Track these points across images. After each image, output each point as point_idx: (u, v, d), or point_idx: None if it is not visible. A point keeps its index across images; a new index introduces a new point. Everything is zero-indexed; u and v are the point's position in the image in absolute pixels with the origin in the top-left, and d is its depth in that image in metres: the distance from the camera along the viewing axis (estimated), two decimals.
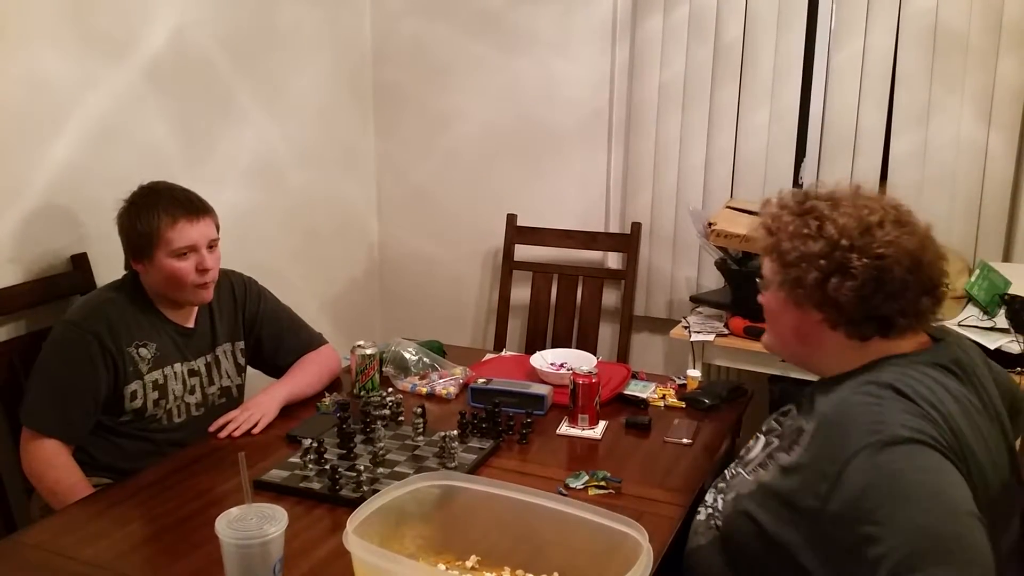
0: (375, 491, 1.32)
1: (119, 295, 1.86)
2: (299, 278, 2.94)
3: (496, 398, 1.85)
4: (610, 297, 2.99)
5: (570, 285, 2.91)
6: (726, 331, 2.48)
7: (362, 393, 2.01)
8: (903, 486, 1.04)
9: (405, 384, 2.09)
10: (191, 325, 1.94)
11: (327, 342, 2.16)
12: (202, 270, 1.83)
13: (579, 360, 2.10)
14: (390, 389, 2.04)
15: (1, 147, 1.97)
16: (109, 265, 2.02)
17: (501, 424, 1.78)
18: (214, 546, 1.20)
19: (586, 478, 1.59)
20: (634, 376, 2.12)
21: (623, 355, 2.88)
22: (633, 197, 2.88)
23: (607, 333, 3.00)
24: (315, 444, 1.63)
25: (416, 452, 1.69)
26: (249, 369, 2.10)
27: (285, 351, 2.08)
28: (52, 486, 1.74)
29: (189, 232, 1.81)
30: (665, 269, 2.88)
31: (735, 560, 1.29)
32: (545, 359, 2.12)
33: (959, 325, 2.18)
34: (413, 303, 3.37)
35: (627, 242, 2.85)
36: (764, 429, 1.42)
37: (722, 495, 1.38)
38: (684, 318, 2.61)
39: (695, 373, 2.08)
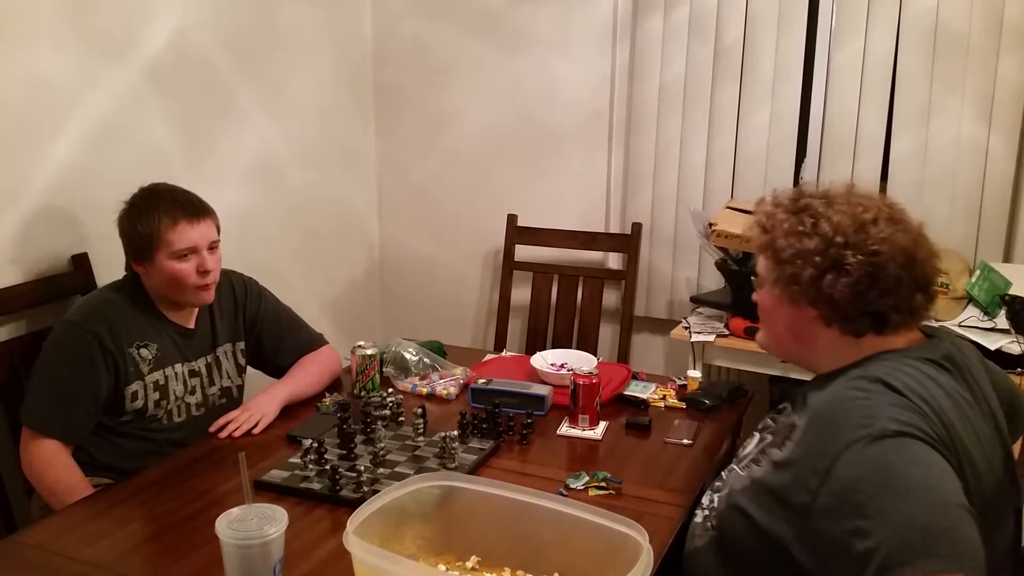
0: (375, 491, 1.32)
1: (119, 295, 1.86)
2: (299, 278, 2.94)
3: (496, 399, 1.85)
4: (610, 297, 2.99)
5: (570, 285, 2.91)
6: (726, 332, 2.48)
7: (362, 393, 2.01)
8: (892, 479, 1.04)
9: (405, 384, 2.09)
10: (192, 326, 1.94)
11: (327, 342, 2.16)
12: (203, 272, 1.83)
13: (579, 361, 2.10)
14: (390, 389, 2.04)
15: (1, 147, 1.97)
16: (109, 265, 2.02)
17: (501, 425, 1.78)
18: (214, 546, 1.20)
19: (586, 479, 1.59)
20: (634, 377, 2.12)
21: (623, 356, 2.88)
22: (633, 197, 2.88)
23: (607, 334, 3.00)
24: (315, 444, 1.63)
25: (416, 452, 1.69)
26: (249, 369, 2.10)
27: (285, 351, 2.08)
28: (52, 486, 1.74)
29: (190, 234, 1.81)
30: (665, 270, 2.88)
31: (730, 557, 1.30)
32: (545, 359, 2.12)
33: (959, 326, 2.18)
34: (413, 303, 3.37)
35: (627, 242, 2.85)
36: (760, 427, 1.42)
37: (717, 494, 1.38)
38: (684, 319, 2.61)
39: (695, 374, 2.08)
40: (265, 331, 2.07)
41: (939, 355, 1.21)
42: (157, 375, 1.86)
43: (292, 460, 1.65)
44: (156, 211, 1.79)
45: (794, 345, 1.34)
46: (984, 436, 1.18)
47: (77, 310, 1.85)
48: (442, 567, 1.29)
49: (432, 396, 2.04)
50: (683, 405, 1.97)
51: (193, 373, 1.93)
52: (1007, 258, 2.47)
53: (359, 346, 2.03)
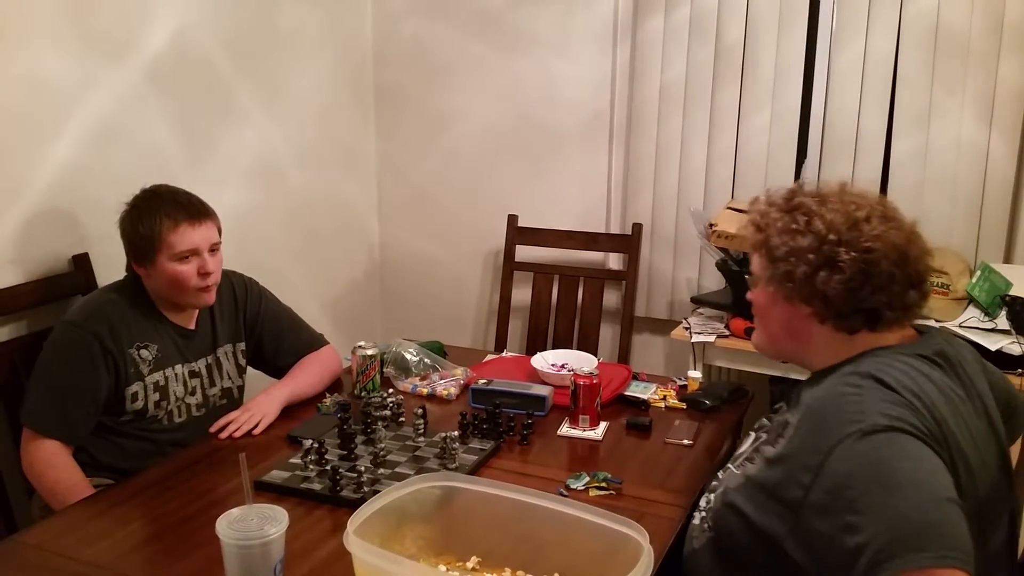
0: (376, 492, 1.32)
1: (120, 296, 1.86)
2: (300, 279, 2.94)
3: (497, 399, 1.85)
4: (611, 298, 2.99)
5: (571, 286, 2.91)
6: (727, 332, 2.48)
7: (363, 394, 2.01)
8: (882, 474, 1.05)
9: (406, 385, 2.09)
10: (192, 327, 1.94)
11: (328, 343, 2.16)
12: (204, 273, 1.83)
13: (580, 361, 2.10)
14: (391, 390, 2.04)
15: (2, 147, 1.97)
16: (110, 265, 2.02)
17: (502, 425, 1.78)
18: (215, 547, 1.20)
19: (587, 479, 1.59)
20: (635, 377, 2.12)
21: (624, 356, 2.88)
22: (634, 198, 2.88)
23: (608, 334, 3.00)
24: (316, 445, 1.63)
25: (417, 453, 1.69)
26: (250, 370, 2.10)
27: (286, 352, 2.08)
28: (52, 486, 1.74)
29: (191, 236, 1.81)
30: (666, 270, 2.87)
31: (726, 557, 1.30)
32: (546, 360, 2.12)
33: (960, 326, 2.18)
34: (414, 304, 3.37)
35: (628, 243, 2.85)
36: (755, 427, 1.43)
37: (713, 494, 1.38)
38: (685, 319, 2.61)
39: (696, 374, 2.08)
40: (265, 332, 2.07)
41: (931, 351, 1.22)
42: (157, 376, 1.86)
43: (293, 460, 1.65)
44: (157, 213, 1.79)
45: (789, 343, 1.34)
46: (978, 433, 1.18)
47: (77, 311, 1.85)
48: (442, 567, 1.29)
49: (432, 396, 2.04)
50: (683, 405, 1.97)
51: (193, 374, 1.93)
52: (1008, 259, 2.47)
53: (359, 346, 2.03)
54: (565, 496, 1.50)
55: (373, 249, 3.38)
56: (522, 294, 3.02)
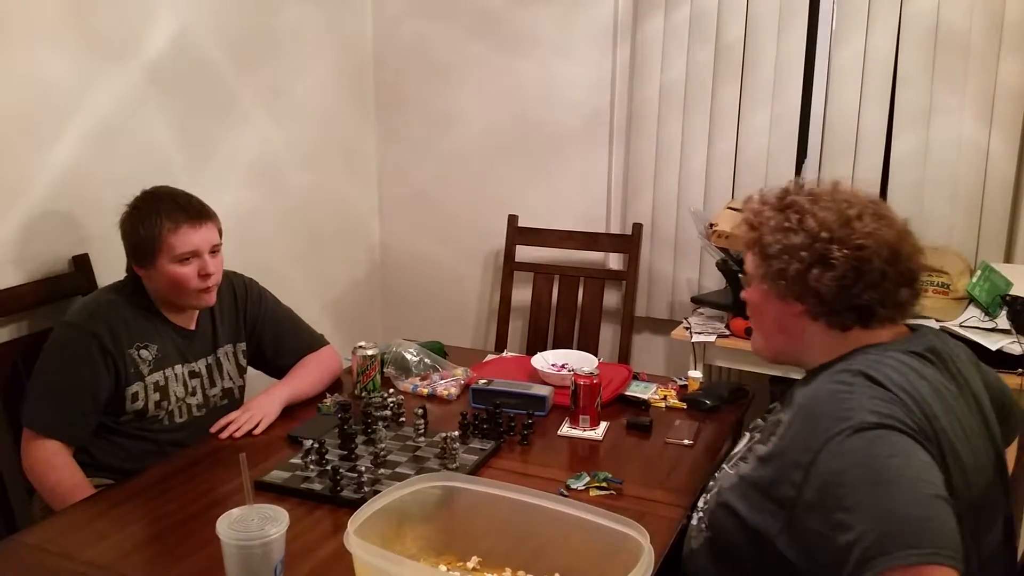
0: (376, 492, 1.33)
1: (120, 296, 1.86)
2: (301, 279, 2.94)
3: (497, 399, 1.85)
4: (611, 298, 2.99)
5: (571, 286, 2.91)
6: (727, 332, 2.48)
7: (363, 394, 2.01)
8: (871, 471, 1.05)
9: (406, 385, 2.10)
10: (192, 327, 1.94)
11: (328, 343, 2.16)
12: (204, 275, 1.83)
13: (580, 361, 2.10)
14: (391, 390, 2.04)
15: (2, 148, 1.97)
16: (110, 266, 2.03)
17: (502, 425, 1.78)
18: (215, 547, 1.20)
19: (587, 479, 1.59)
20: (635, 377, 2.12)
21: (624, 356, 2.88)
22: (634, 198, 2.88)
23: (608, 334, 3.00)
24: (316, 445, 1.63)
25: (417, 453, 1.69)
26: (250, 370, 2.10)
27: (286, 352, 2.08)
28: (53, 487, 1.74)
29: (192, 237, 1.81)
30: (666, 270, 2.87)
31: (722, 557, 1.30)
32: (546, 360, 2.12)
33: (960, 326, 2.18)
34: (414, 304, 3.37)
35: (628, 243, 2.85)
36: (750, 427, 1.43)
37: (709, 494, 1.39)
38: (685, 319, 2.61)
39: (696, 374, 2.08)
40: (266, 332, 2.07)
41: (923, 347, 1.22)
42: (157, 376, 1.86)
43: (293, 461, 1.65)
44: (158, 215, 1.79)
45: (783, 341, 1.35)
46: (971, 429, 1.19)
47: (77, 311, 1.85)
48: (443, 567, 1.29)
49: (433, 397, 2.04)
50: (684, 405, 1.97)
51: (193, 374, 1.93)
52: (1008, 258, 2.47)
53: (360, 347, 2.04)
54: (565, 496, 1.50)
55: (374, 249, 3.38)
56: (522, 294, 3.02)
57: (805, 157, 2.63)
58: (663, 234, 2.85)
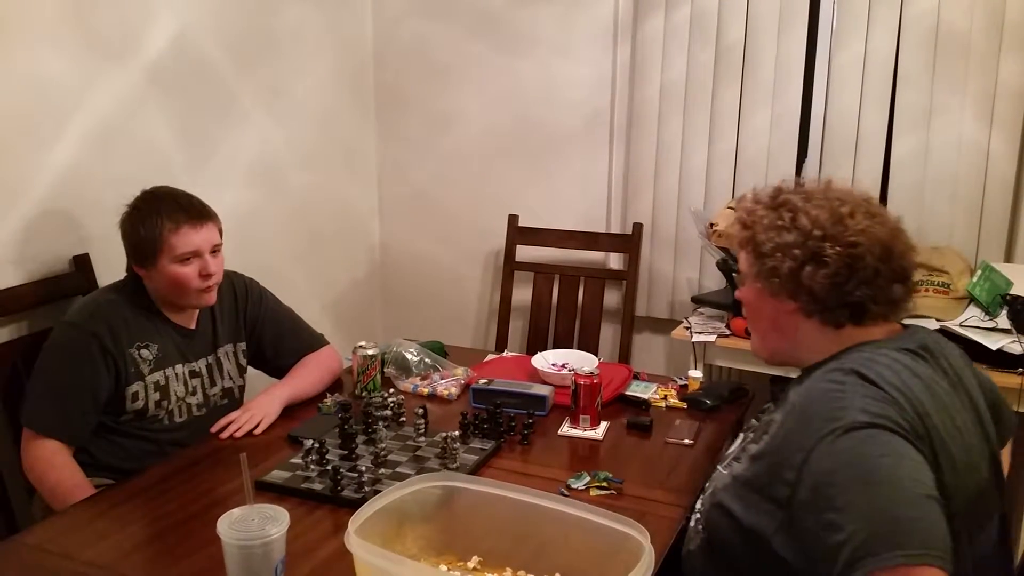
0: (377, 492, 1.33)
1: (120, 296, 1.86)
2: (301, 279, 2.94)
3: (498, 399, 1.85)
4: (611, 298, 2.99)
5: (571, 286, 2.91)
6: (727, 332, 2.48)
7: (364, 394, 2.01)
8: (861, 471, 1.05)
9: (407, 385, 2.10)
10: (192, 326, 1.94)
11: (328, 343, 2.16)
12: (205, 275, 1.83)
13: (580, 361, 2.10)
14: (392, 390, 2.04)
15: (3, 148, 1.97)
16: (110, 266, 2.02)
17: (503, 425, 1.78)
18: (216, 547, 1.20)
19: (588, 479, 1.59)
20: (635, 377, 2.12)
21: (624, 356, 2.88)
22: (634, 198, 2.88)
23: (608, 334, 3.00)
24: (317, 445, 1.63)
25: (418, 453, 1.69)
26: (250, 370, 2.10)
27: (286, 352, 2.08)
28: (53, 487, 1.74)
29: (192, 238, 1.81)
30: (666, 270, 2.87)
31: (717, 556, 1.30)
32: (546, 360, 2.12)
33: (961, 326, 2.18)
34: (414, 304, 3.37)
35: (628, 243, 2.85)
36: (744, 427, 1.43)
37: (704, 495, 1.39)
38: (685, 319, 2.61)
39: (696, 374, 2.08)
40: (266, 332, 2.07)
41: (916, 344, 1.23)
42: (157, 375, 1.86)
43: (293, 460, 1.65)
44: (158, 215, 1.79)
45: (777, 340, 1.35)
46: (964, 426, 1.19)
47: (77, 311, 1.85)
48: (443, 567, 1.29)
49: (433, 396, 2.04)
50: (684, 405, 1.97)
51: (194, 374, 1.93)
52: (1008, 258, 2.47)
53: (360, 346, 2.04)
54: (566, 496, 1.50)
55: (374, 249, 3.38)
56: (523, 294, 3.02)
57: (805, 158, 2.63)
58: (663, 234, 2.85)
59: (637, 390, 2.03)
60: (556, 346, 2.76)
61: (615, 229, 2.96)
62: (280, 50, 2.77)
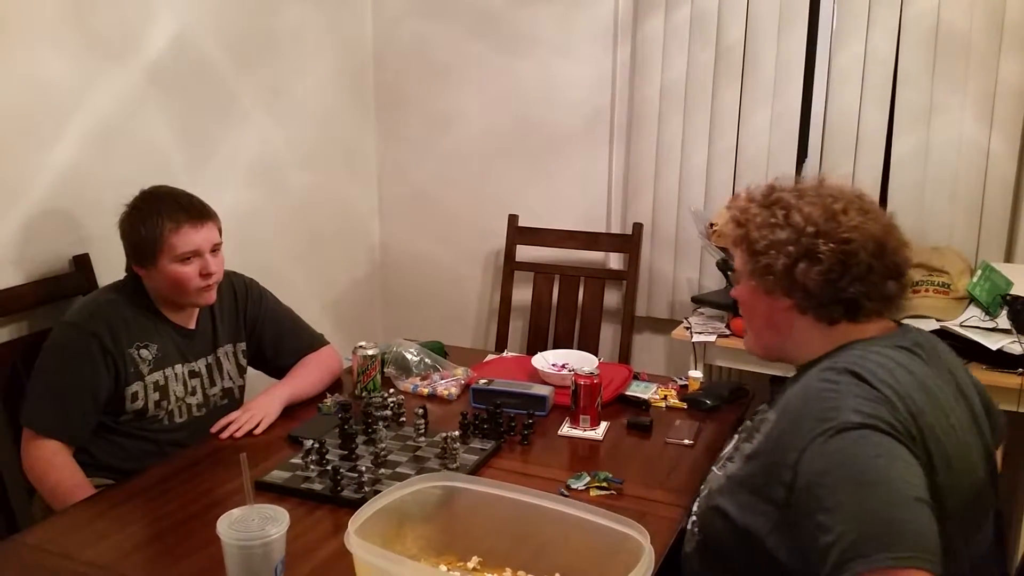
0: (377, 492, 1.33)
1: (119, 296, 1.86)
2: (301, 279, 2.94)
3: (498, 399, 1.85)
4: (612, 298, 2.99)
5: (571, 286, 2.91)
6: (728, 332, 2.48)
7: (364, 394, 2.01)
8: (852, 473, 1.05)
9: (407, 385, 2.10)
10: (192, 326, 1.94)
11: (328, 343, 2.16)
12: (206, 274, 1.83)
13: (580, 361, 2.10)
14: (392, 390, 2.04)
15: (3, 149, 1.97)
16: (110, 266, 2.02)
17: (503, 425, 1.78)
18: (216, 547, 1.20)
19: (588, 479, 1.59)
20: (635, 377, 2.12)
21: (624, 356, 2.88)
22: (635, 198, 2.88)
23: (608, 334, 3.00)
24: (317, 445, 1.63)
25: (418, 453, 1.69)
26: (250, 370, 2.10)
27: (286, 352, 2.08)
28: (53, 487, 1.74)
29: (193, 237, 1.81)
30: (667, 270, 2.87)
31: (713, 558, 1.30)
32: (546, 360, 2.12)
33: (961, 326, 2.18)
34: (414, 304, 3.37)
35: (629, 243, 2.85)
36: (739, 428, 1.43)
37: (700, 497, 1.39)
38: (686, 319, 2.61)
39: (697, 374, 2.08)
40: (266, 332, 2.07)
41: (910, 342, 1.23)
42: (157, 375, 1.86)
43: (293, 461, 1.65)
44: (159, 215, 1.79)
45: (772, 337, 1.36)
46: (959, 424, 1.18)
47: (76, 311, 1.85)
48: (443, 567, 1.29)
49: (433, 396, 2.04)
50: (684, 405, 1.97)
51: (193, 374, 1.93)
52: (1008, 258, 2.47)
53: (360, 347, 2.03)
54: (566, 496, 1.50)
55: (374, 249, 3.38)
56: (523, 294, 3.02)
57: (806, 157, 2.63)
58: (663, 234, 2.85)
59: (637, 390, 2.03)
60: (556, 346, 2.76)
61: (615, 229, 2.96)
62: (280, 50, 2.77)
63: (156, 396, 1.86)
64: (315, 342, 2.12)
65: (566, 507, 1.26)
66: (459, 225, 3.22)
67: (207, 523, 1.36)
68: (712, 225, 2.47)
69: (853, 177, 2.54)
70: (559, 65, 2.92)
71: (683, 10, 2.67)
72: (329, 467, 1.57)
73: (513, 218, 3.02)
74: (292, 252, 2.91)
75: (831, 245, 1.22)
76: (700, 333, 2.49)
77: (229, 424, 1.83)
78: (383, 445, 1.68)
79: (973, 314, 2.23)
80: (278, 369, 2.08)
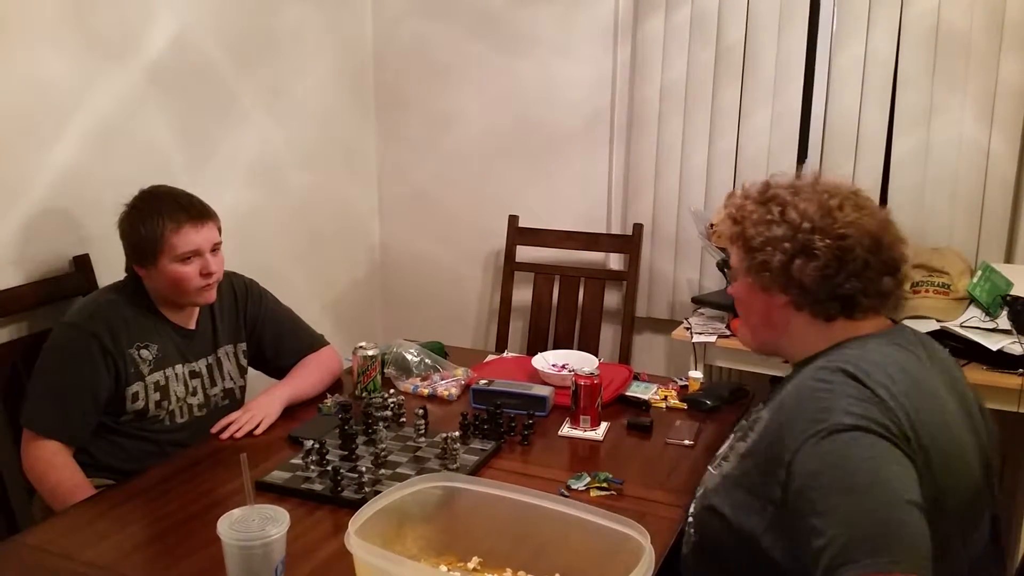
0: (377, 492, 1.33)
1: (119, 296, 1.86)
2: (301, 279, 2.94)
3: (498, 399, 1.85)
4: (612, 298, 2.99)
5: (572, 286, 2.91)
6: (728, 332, 2.48)
7: (364, 394, 2.01)
8: (843, 475, 1.05)
9: (407, 385, 2.10)
10: (192, 326, 1.94)
11: (328, 343, 2.16)
12: (206, 274, 1.83)
13: (581, 361, 2.10)
14: (392, 390, 2.04)
15: (3, 149, 1.97)
16: (110, 266, 2.02)
17: (503, 425, 1.78)
18: (216, 547, 1.20)
19: (588, 479, 1.59)
20: (636, 377, 2.12)
21: (625, 356, 2.88)
22: (635, 198, 2.88)
23: (609, 334, 3.00)
24: (317, 445, 1.63)
25: (418, 453, 1.69)
26: (251, 370, 2.10)
27: (286, 353, 2.08)
28: (53, 487, 1.74)
29: (193, 237, 1.81)
30: (667, 270, 2.87)
31: (709, 558, 1.30)
32: (547, 360, 2.12)
33: (961, 326, 2.18)
34: (415, 304, 3.37)
35: (629, 243, 2.85)
36: (735, 428, 1.43)
37: (696, 498, 1.39)
38: (686, 319, 2.61)
39: (697, 374, 2.08)
40: (266, 332, 2.07)
41: (906, 340, 1.23)
42: (157, 376, 1.86)
43: (294, 461, 1.65)
44: (159, 215, 1.79)
45: (769, 334, 1.35)
46: (955, 423, 1.18)
47: (76, 311, 1.85)
48: (444, 568, 1.29)
49: (433, 397, 2.04)
50: (684, 406, 1.97)
51: (194, 374, 1.93)
52: (1008, 259, 2.47)
53: (360, 347, 2.03)
54: (566, 496, 1.49)
55: (374, 250, 3.38)
56: (523, 294, 3.02)
57: (806, 157, 2.63)
58: (664, 234, 2.85)
59: (637, 391, 2.03)
60: (556, 347, 2.76)
61: (615, 229, 2.96)
62: (280, 50, 2.77)
63: (157, 396, 1.86)
64: (315, 342, 2.12)
65: (566, 507, 1.26)
66: (459, 225, 3.22)
67: (207, 523, 1.36)
68: (712, 225, 2.46)
69: (853, 177, 2.54)
70: (559, 65, 2.92)
71: (683, 10, 2.67)
72: (329, 467, 1.57)
73: (513, 218, 3.01)
74: (292, 252, 2.91)
75: (827, 241, 1.22)
76: (700, 334, 2.49)
77: (229, 424, 1.83)
78: (383, 446, 1.68)
79: (973, 315, 2.23)
80: (278, 369, 2.08)
